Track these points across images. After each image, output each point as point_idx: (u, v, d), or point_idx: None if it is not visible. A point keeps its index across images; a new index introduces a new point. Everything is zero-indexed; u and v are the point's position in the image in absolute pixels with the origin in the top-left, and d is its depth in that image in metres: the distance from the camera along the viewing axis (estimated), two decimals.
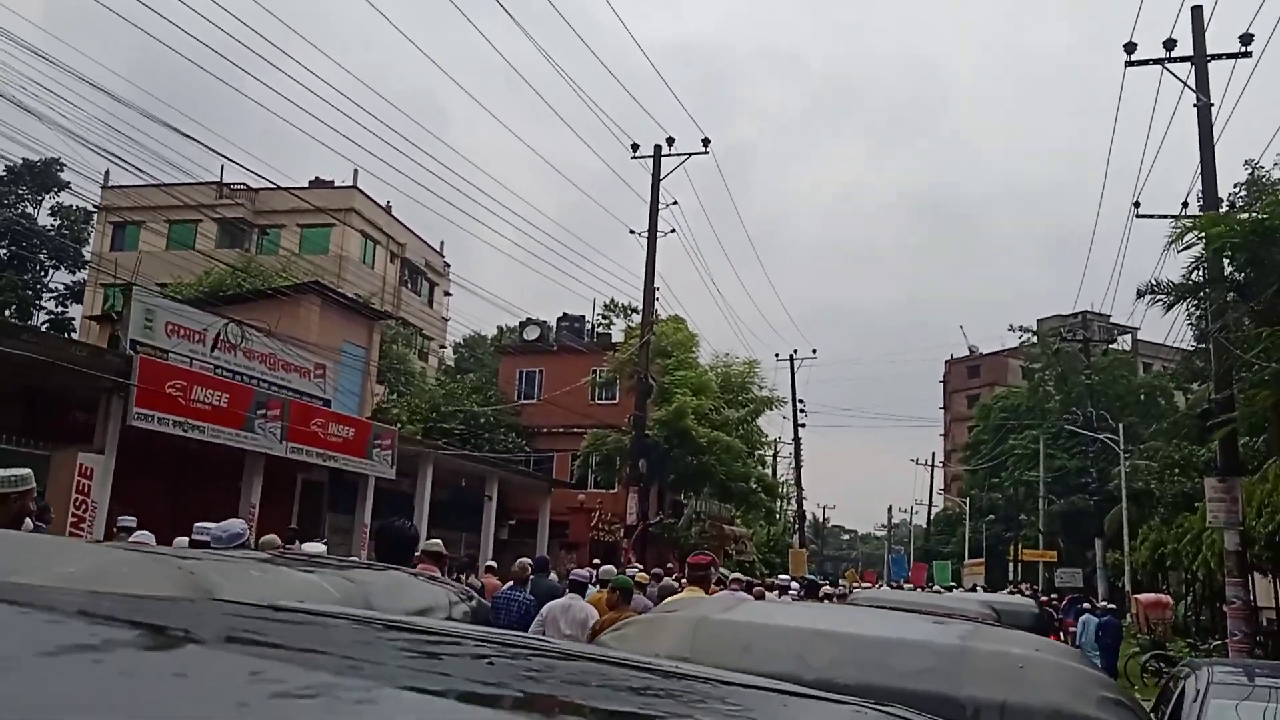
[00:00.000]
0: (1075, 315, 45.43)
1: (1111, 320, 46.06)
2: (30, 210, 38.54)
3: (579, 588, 10.70)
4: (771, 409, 36.65)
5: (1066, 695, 2.48)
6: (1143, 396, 50.13)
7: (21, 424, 13.14)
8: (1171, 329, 66.73)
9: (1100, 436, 38.71)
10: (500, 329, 41.94)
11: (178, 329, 16.26)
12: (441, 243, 53.85)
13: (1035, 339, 56.10)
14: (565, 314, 39.52)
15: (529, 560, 11.88)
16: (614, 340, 35.98)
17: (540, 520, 28.31)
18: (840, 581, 37.94)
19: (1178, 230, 16.28)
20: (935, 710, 1.22)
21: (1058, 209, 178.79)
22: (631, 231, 28.32)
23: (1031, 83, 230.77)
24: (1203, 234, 15.53)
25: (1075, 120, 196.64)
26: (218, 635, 0.86)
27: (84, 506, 13.00)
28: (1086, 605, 23.44)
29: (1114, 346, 53.73)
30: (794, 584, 24.65)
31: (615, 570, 12.94)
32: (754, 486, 33.91)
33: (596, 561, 17.49)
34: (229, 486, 16.13)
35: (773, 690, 0.99)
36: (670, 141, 27.87)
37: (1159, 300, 17.40)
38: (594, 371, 34.07)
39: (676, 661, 1.19)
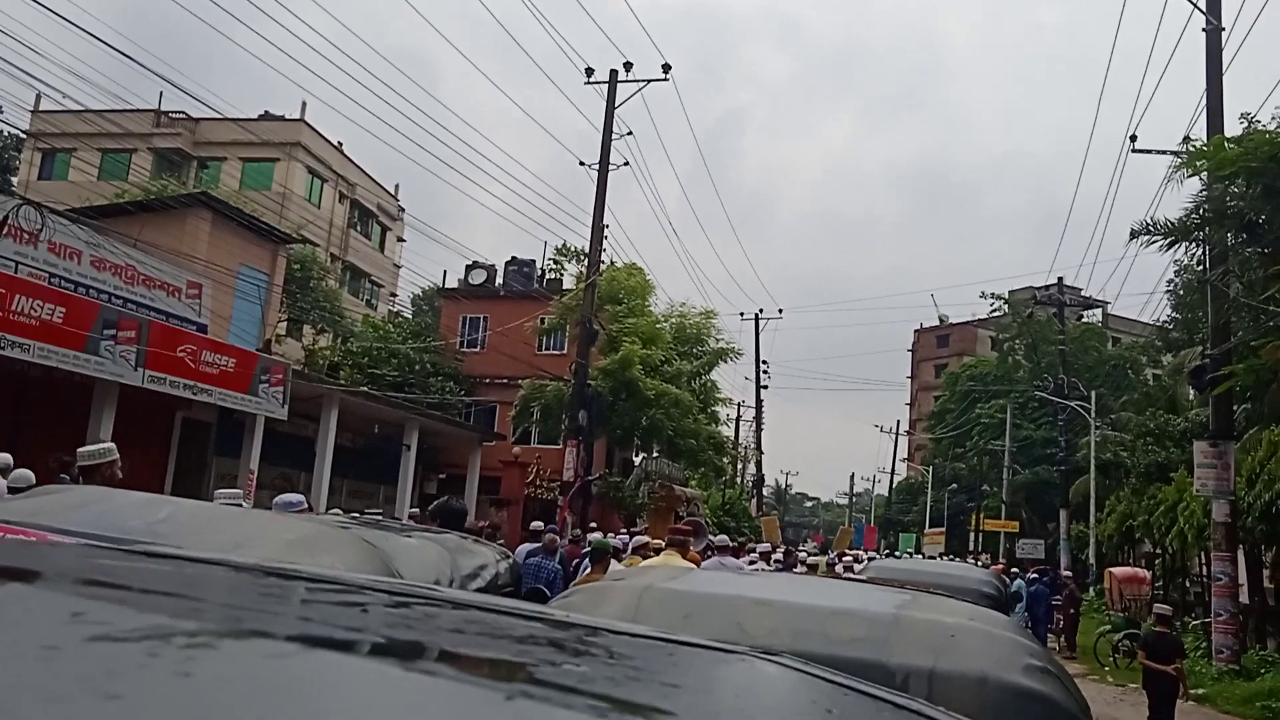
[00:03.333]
0: (1048, 287, 44.09)
1: (1084, 294, 45.10)
2: None
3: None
4: (726, 360, 34.31)
5: (993, 663, 2.52)
6: (1112, 368, 49.10)
7: None
8: (1145, 305, 66.08)
9: (1071, 403, 37.21)
10: (446, 274, 39.45)
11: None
12: (396, 186, 51.09)
13: (1006, 308, 54.65)
14: (515, 257, 36.96)
15: (547, 528, 12.55)
16: (565, 286, 33.65)
17: (469, 474, 26.05)
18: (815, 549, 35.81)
19: (1182, 158, 14.27)
20: (868, 677, 1.11)
21: (1045, 184, 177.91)
22: (582, 163, 26.01)
23: (1030, 56, 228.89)
24: (1208, 163, 13.58)
25: (1071, 94, 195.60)
26: (54, 575, 0.78)
27: None
28: (1015, 570, 23.21)
29: (1086, 320, 52.55)
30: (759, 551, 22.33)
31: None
32: (704, 444, 31.61)
33: (539, 523, 15.29)
34: (77, 420, 13.78)
35: (662, 640, 0.96)
36: (628, 67, 25.57)
37: (1154, 240, 15.45)
38: (541, 319, 31.77)
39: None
